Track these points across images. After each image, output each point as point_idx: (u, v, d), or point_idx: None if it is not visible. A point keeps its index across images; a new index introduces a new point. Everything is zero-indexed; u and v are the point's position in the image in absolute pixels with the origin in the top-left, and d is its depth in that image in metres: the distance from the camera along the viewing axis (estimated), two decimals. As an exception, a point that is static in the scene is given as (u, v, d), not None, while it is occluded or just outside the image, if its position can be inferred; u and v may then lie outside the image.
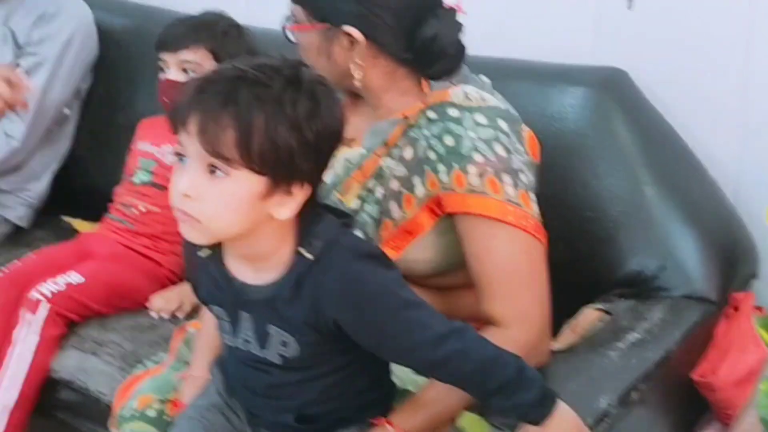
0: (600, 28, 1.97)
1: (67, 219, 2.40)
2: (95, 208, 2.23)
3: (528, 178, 1.49)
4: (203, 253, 1.28)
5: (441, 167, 1.46)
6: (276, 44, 2.13)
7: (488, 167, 1.44)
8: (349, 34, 1.46)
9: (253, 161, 1.14)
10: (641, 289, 1.66)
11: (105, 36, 2.48)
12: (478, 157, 1.44)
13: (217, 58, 2.05)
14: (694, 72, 1.89)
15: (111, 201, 2.18)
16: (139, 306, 1.99)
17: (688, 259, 1.66)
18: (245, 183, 1.15)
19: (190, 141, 1.15)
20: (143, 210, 2.10)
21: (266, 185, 1.16)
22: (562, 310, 1.52)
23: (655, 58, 1.91)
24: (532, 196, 1.49)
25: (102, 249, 2.08)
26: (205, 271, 1.31)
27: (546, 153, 1.62)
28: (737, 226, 1.78)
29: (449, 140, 1.46)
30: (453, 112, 1.47)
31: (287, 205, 1.19)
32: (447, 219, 1.47)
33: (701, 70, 1.88)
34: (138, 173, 2.14)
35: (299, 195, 1.19)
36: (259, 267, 1.25)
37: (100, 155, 2.43)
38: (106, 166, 2.37)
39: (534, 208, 1.48)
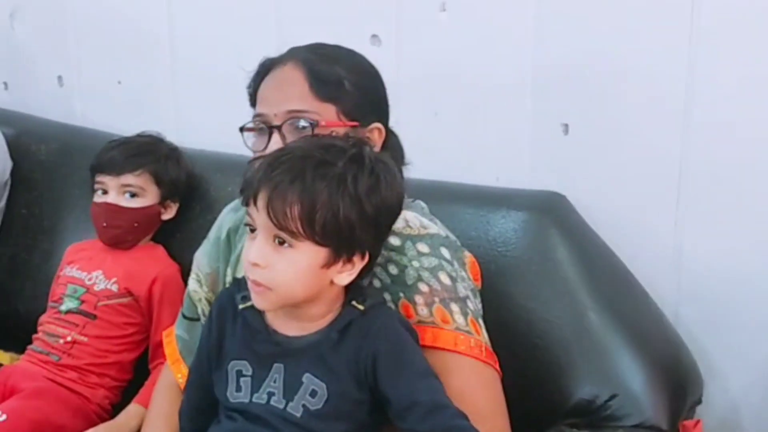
0: (536, 152, 1.99)
1: (-16, 350, 2.29)
2: (16, 337, 2.13)
3: (475, 304, 1.48)
4: (244, 304, 1.36)
5: (387, 296, 1.42)
6: (209, 165, 2.15)
7: (435, 297, 1.41)
8: (376, 131, 1.51)
9: (316, 234, 1.24)
10: (593, 418, 1.62)
11: (28, 157, 2.43)
12: (423, 287, 1.42)
13: (158, 181, 2.05)
14: (629, 195, 1.92)
15: (33, 330, 2.08)
16: (65, 446, 1.88)
17: (637, 387, 1.63)
18: (309, 254, 1.25)
19: (259, 215, 1.25)
20: (70, 340, 2.00)
21: (329, 255, 1.27)
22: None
23: (590, 183, 1.93)
24: (481, 322, 1.47)
25: (25, 383, 1.95)
26: (241, 325, 1.37)
27: (489, 278, 1.62)
28: (682, 350, 1.78)
29: (393, 269, 1.43)
30: (395, 241, 1.45)
31: (348, 272, 1.30)
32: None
33: (636, 194, 1.91)
34: (65, 300, 2.05)
35: (359, 263, 1.30)
36: (307, 322, 1.33)
37: (21, 281, 2.33)
38: (28, 293, 2.28)
39: (484, 335, 1.45)
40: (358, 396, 1.31)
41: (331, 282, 1.30)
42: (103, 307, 2.03)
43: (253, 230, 1.28)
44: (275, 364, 1.33)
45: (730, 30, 1.77)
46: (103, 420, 1.95)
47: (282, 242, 1.25)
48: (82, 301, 2.04)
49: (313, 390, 1.30)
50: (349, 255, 1.28)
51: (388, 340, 1.31)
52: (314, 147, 1.28)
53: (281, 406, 1.31)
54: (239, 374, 1.35)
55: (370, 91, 1.51)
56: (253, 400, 1.33)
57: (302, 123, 1.45)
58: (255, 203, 1.25)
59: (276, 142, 1.45)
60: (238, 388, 1.35)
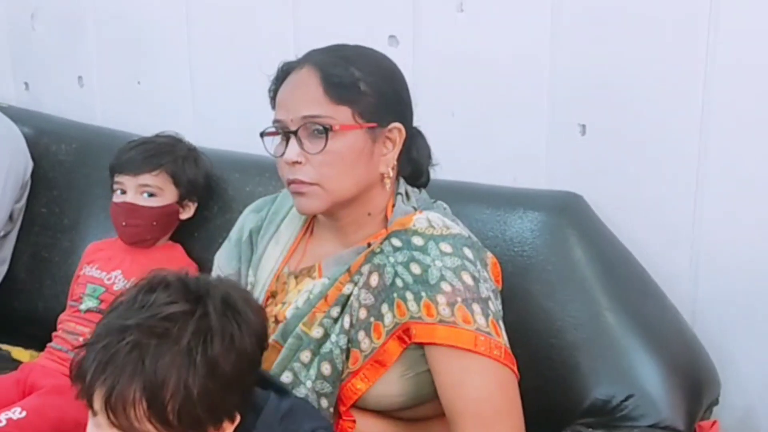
0: (553, 153, 1.99)
1: (5, 347, 2.29)
2: (35, 335, 2.15)
3: (496, 306, 1.48)
4: None
5: (409, 295, 1.43)
6: (227, 165, 2.16)
7: (457, 297, 1.42)
8: (396, 130, 1.49)
9: (174, 429, 1.09)
10: (608, 418, 1.62)
11: (48, 156, 2.45)
12: (446, 287, 1.42)
13: (176, 181, 2.07)
14: (646, 196, 1.92)
15: (53, 328, 2.09)
16: (84, 442, 1.89)
17: (654, 387, 1.63)
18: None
19: (98, 418, 1.09)
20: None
21: None
22: (529, 442, 1.49)
23: (607, 183, 1.93)
24: (501, 324, 1.47)
25: (45, 381, 1.97)
26: None
27: (506, 278, 1.62)
28: (699, 351, 1.77)
29: (416, 269, 1.44)
30: (418, 241, 1.46)
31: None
32: (416, 349, 1.44)
33: (653, 195, 1.91)
34: (85, 299, 2.07)
35: (230, 428, 1.16)
36: None
37: (41, 279, 2.35)
38: (47, 291, 2.30)
39: (504, 337, 1.46)
40: None
41: None
42: (122, 306, 2.04)
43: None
44: None
45: (749, 29, 1.76)
46: (121, 418, 1.96)
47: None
48: (102, 301, 2.05)
49: None
50: (216, 426, 1.15)
51: None
52: (151, 320, 1.11)
53: None
54: None
55: (388, 91, 1.51)
56: None
57: (315, 128, 1.44)
58: (91, 405, 1.11)
59: (293, 147, 1.45)
60: None
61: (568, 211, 1.83)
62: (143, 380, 1.07)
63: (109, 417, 1.08)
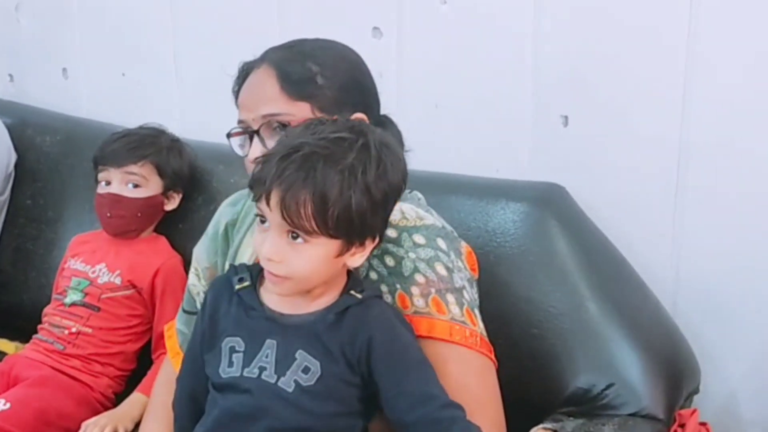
0: (536, 144, 2.00)
1: (-11, 339, 2.31)
2: (20, 327, 2.15)
3: (471, 295, 1.49)
4: (240, 285, 1.39)
5: (384, 288, 1.43)
6: (212, 156, 2.17)
7: (431, 288, 1.42)
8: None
9: (330, 229, 1.26)
10: (589, 407, 1.63)
11: (32, 148, 2.45)
12: (419, 278, 1.43)
13: (161, 172, 2.08)
14: (628, 187, 1.93)
15: (38, 320, 2.09)
16: (70, 434, 1.91)
17: (634, 376, 1.64)
18: (323, 246, 1.28)
19: (272, 213, 1.27)
20: (75, 331, 2.03)
21: (342, 245, 1.30)
22: (510, 431, 1.49)
23: (590, 174, 1.94)
24: (477, 312, 1.48)
25: (29, 372, 1.98)
26: (236, 304, 1.39)
27: (488, 268, 1.63)
28: (679, 341, 1.79)
29: (390, 261, 1.44)
30: (391, 233, 1.46)
31: (360, 255, 1.34)
32: (393, 341, 1.44)
33: (635, 186, 1.92)
34: (69, 293, 2.07)
35: (370, 246, 1.34)
36: (305, 302, 1.35)
37: (26, 271, 2.35)
38: (32, 282, 2.30)
39: (480, 325, 1.46)
40: (350, 378, 1.33)
41: (344, 265, 1.33)
42: (107, 299, 2.05)
43: (263, 221, 1.30)
44: (268, 340, 1.34)
45: (729, 20, 1.77)
46: (106, 408, 1.97)
47: (296, 237, 1.27)
48: (86, 294, 2.06)
49: (306, 366, 1.32)
50: (361, 241, 1.31)
51: (383, 329, 1.33)
52: (321, 141, 1.28)
53: (272, 381, 1.32)
54: (232, 350, 1.36)
55: (348, 82, 1.50)
56: (244, 374, 1.34)
57: (275, 126, 1.45)
58: (268, 202, 1.27)
59: (256, 146, 1.46)
60: (230, 364, 1.35)
61: (550, 203, 1.84)
62: (313, 186, 1.25)
63: (282, 213, 1.25)
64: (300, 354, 1.32)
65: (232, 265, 1.44)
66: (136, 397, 1.95)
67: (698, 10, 1.79)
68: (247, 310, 1.38)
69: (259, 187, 1.28)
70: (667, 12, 1.82)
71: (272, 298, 1.37)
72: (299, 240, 1.27)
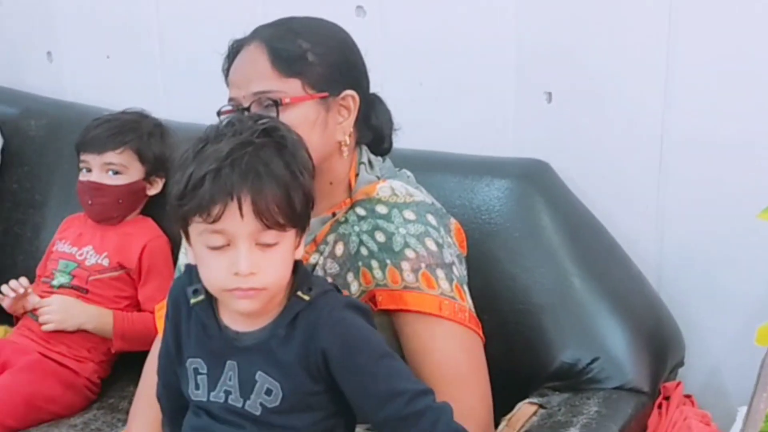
0: (520, 121, 2.01)
1: (-24, 322, 2.30)
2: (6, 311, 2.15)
3: (460, 270, 1.51)
4: (195, 299, 1.34)
5: (374, 263, 1.45)
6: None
7: (421, 263, 1.44)
8: (350, 98, 1.49)
9: (296, 218, 1.25)
10: (574, 381, 1.65)
11: (18, 132, 2.45)
12: (410, 253, 1.44)
13: (141, 158, 2.07)
14: (612, 163, 1.94)
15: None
16: (57, 418, 1.92)
17: (619, 350, 1.66)
18: (288, 242, 1.26)
19: (242, 224, 1.21)
20: (63, 313, 2.03)
21: (296, 235, 1.28)
22: (497, 405, 1.51)
23: (574, 150, 1.95)
24: (466, 288, 1.50)
25: (17, 358, 1.98)
26: (194, 322, 1.35)
27: (473, 245, 1.64)
28: (664, 315, 1.80)
29: (381, 237, 1.46)
30: (381, 209, 1.47)
31: (302, 245, 1.30)
32: (382, 316, 1.45)
33: (619, 161, 1.93)
34: (57, 275, 2.08)
35: (304, 235, 1.31)
36: (256, 317, 1.30)
37: (14, 255, 2.35)
38: (20, 266, 2.30)
39: (468, 301, 1.48)
40: (314, 388, 1.29)
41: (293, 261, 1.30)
42: (95, 281, 2.06)
43: (217, 247, 1.24)
44: (228, 362, 1.31)
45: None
46: (92, 393, 2.01)
47: (266, 244, 1.24)
48: (74, 276, 2.06)
49: (268, 389, 1.29)
50: (302, 229, 1.29)
51: (334, 336, 1.28)
52: (250, 140, 1.24)
53: (239, 405, 1.30)
54: (196, 372, 1.34)
55: (338, 59, 1.51)
56: (211, 398, 1.32)
57: (266, 103, 1.45)
58: (241, 212, 1.21)
59: None
60: (197, 386, 1.34)
61: (534, 179, 1.85)
62: (274, 180, 1.23)
63: (256, 216, 1.21)
64: (260, 376, 1.29)
65: (187, 267, 1.38)
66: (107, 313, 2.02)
67: (680, -15, 1.79)
68: (204, 328, 1.34)
69: (219, 204, 1.21)
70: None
71: (226, 312, 1.33)
72: (269, 240, 1.23)
